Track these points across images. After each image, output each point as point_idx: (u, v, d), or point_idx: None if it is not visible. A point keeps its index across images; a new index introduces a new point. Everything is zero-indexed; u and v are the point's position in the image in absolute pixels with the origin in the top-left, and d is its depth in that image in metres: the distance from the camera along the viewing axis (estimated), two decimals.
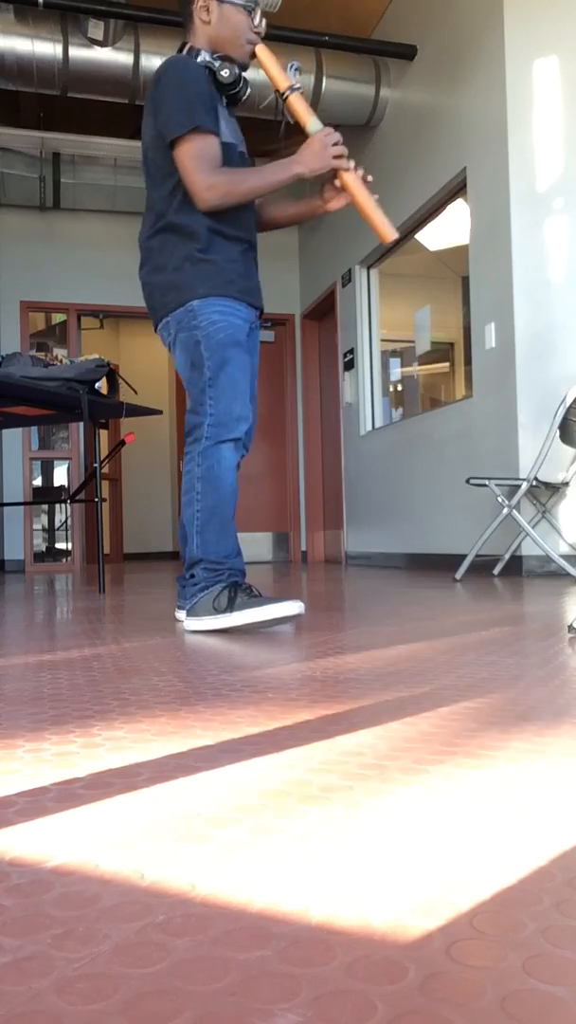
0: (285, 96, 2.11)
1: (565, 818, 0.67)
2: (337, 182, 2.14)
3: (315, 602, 2.89)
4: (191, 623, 2.09)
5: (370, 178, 2.13)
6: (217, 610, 2.02)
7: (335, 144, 2.07)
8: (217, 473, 2.10)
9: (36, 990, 0.43)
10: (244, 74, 2.20)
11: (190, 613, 2.10)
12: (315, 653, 1.62)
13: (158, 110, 2.09)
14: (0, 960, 0.46)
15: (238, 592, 2.03)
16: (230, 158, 2.16)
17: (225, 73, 2.13)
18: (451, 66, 4.70)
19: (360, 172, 2.13)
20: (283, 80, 2.11)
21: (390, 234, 2.07)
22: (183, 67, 2.09)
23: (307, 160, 2.06)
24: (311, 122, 2.11)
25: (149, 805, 0.73)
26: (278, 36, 4.90)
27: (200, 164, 2.04)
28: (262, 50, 2.15)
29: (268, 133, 5.19)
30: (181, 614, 2.29)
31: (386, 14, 5.63)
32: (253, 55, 2.18)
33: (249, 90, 2.26)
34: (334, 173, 2.13)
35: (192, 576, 2.13)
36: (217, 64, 2.13)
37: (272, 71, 2.12)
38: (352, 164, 2.12)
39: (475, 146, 4.45)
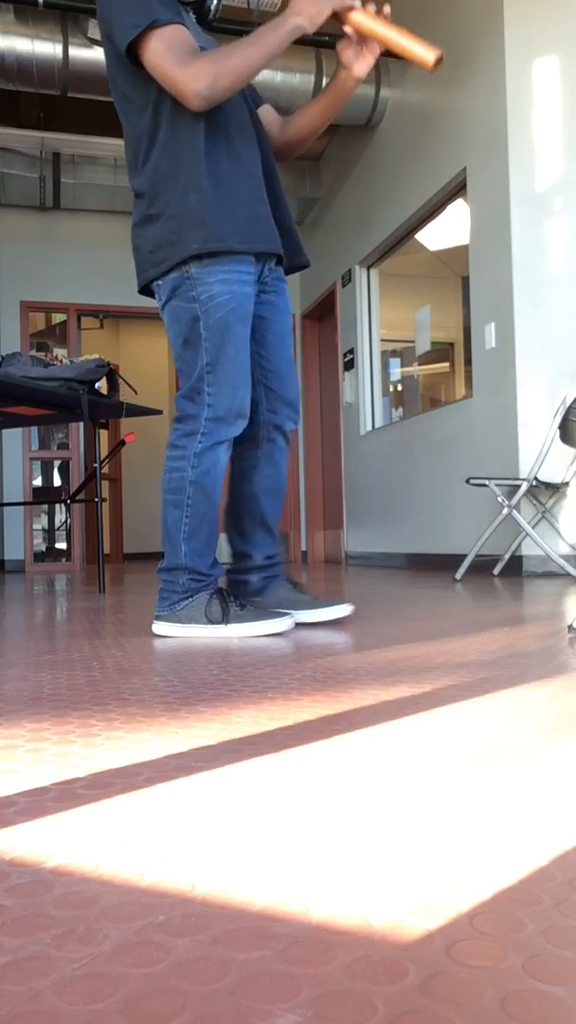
0: None
1: (565, 818, 0.67)
2: (347, 28, 1.75)
3: None
4: (168, 628, 1.97)
5: (387, 9, 1.74)
6: (211, 620, 1.92)
7: None
8: (212, 479, 1.96)
9: (36, 990, 0.43)
10: None
11: (168, 618, 1.97)
12: (315, 653, 1.62)
13: (110, 25, 1.77)
14: (0, 960, 0.46)
15: (227, 601, 1.94)
16: None
17: None
18: (451, 66, 4.70)
19: (372, 7, 1.77)
20: None
21: (432, 55, 1.67)
22: None
23: (302, 7, 1.68)
24: None
25: (149, 805, 0.72)
26: None
27: (175, 57, 1.71)
28: None
29: None
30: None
31: None
32: None
33: (219, 1, 1.95)
34: (342, 23, 1.74)
35: (170, 580, 1.99)
36: None
37: None
38: (359, 2, 1.75)
39: (475, 146, 4.45)
